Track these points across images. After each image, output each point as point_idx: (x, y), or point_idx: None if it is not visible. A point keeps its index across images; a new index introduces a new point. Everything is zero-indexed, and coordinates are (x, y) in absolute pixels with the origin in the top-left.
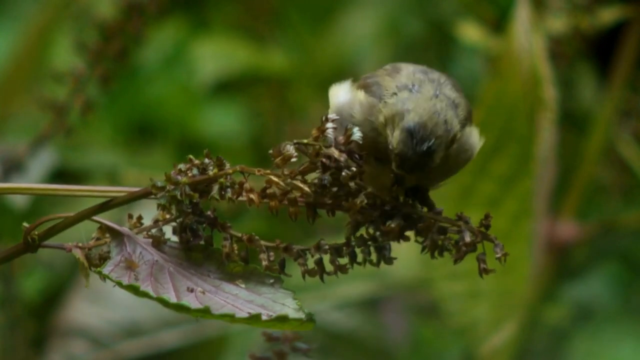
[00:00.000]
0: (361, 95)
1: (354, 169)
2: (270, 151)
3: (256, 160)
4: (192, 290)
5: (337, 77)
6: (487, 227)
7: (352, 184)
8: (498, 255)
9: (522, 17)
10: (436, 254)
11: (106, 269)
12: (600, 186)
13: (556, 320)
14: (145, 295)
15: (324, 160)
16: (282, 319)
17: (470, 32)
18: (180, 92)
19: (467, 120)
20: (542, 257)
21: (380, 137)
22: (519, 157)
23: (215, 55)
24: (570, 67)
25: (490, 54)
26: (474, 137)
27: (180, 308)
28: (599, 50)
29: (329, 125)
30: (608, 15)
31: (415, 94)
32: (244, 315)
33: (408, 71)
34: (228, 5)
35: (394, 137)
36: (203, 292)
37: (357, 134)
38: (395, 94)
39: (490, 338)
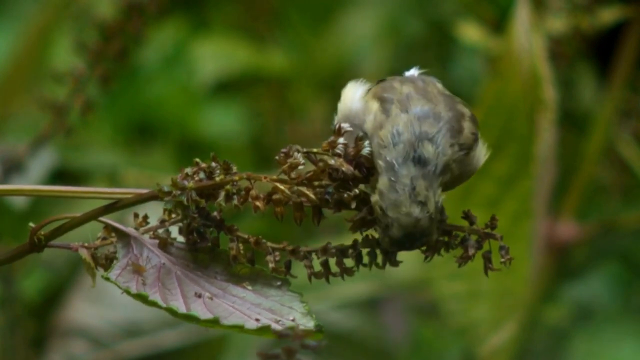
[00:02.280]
0: (375, 107)
1: (357, 190)
2: (277, 157)
3: (256, 160)
4: (199, 296)
5: (337, 77)
6: (493, 227)
7: (353, 205)
8: (503, 260)
9: (522, 17)
10: (442, 251)
11: (113, 273)
12: (600, 186)
13: (556, 320)
14: (154, 304)
15: (331, 171)
16: (292, 330)
17: (470, 32)
18: (180, 92)
19: (474, 135)
20: (542, 257)
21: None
22: (519, 157)
23: (215, 55)
24: (570, 67)
25: (490, 54)
26: (479, 153)
27: (189, 318)
28: (599, 50)
29: (341, 140)
30: (608, 15)
31: (395, 191)
32: (253, 323)
33: (408, 114)
34: (228, 5)
35: (383, 240)
36: (211, 298)
37: (367, 149)
38: (386, 166)
39: (490, 338)
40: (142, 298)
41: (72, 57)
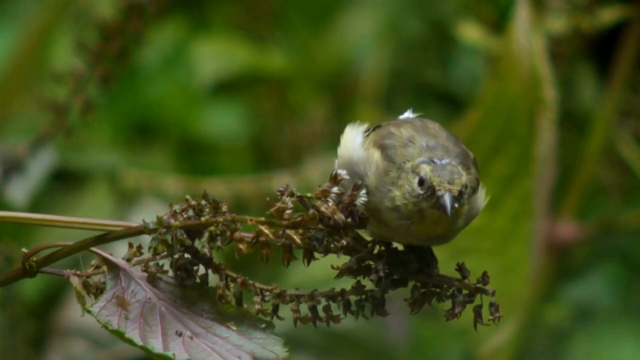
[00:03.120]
0: (377, 155)
1: (344, 242)
2: (268, 199)
3: (256, 160)
4: (180, 334)
5: (337, 77)
6: (485, 282)
7: (340, 254)
8: (491, 318)
9: (522, 17)
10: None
11: (97, 305)
12: (600, 186)
13: (556, 320)
14: (129, 341)
15: (322, 218)
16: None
17: (470, 32)
18: (180, 92)
19: (477, 181)
20: (542, 257)
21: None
22: (519, 157)
23: (215, 55)
24: (570, 67)
25: (490, 54)
26: (481, 196)
27: (163, 358)
28: (599, 50)
29: (335, 189)
30: (608, 15)
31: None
32: None
33: (420, 144)
34: (228, 5)
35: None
36: (191, 337)
37: (362, 198)
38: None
39: (490, 338)
40: (119, 334)
41: (72, 57)
